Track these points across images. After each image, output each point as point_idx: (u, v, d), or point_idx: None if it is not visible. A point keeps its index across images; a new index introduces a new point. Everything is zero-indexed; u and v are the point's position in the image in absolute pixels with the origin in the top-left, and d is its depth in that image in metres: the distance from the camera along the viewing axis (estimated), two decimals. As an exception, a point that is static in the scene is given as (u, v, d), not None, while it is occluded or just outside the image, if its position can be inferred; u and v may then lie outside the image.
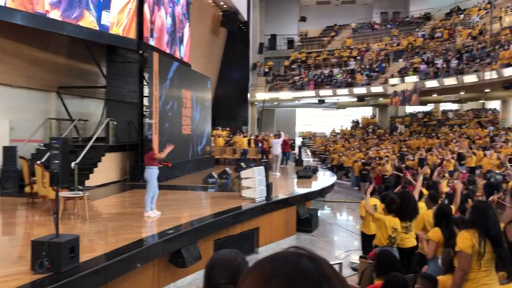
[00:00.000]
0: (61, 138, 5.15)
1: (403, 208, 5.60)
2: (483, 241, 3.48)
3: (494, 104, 30.37)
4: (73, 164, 10.41)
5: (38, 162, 9.69)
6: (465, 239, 3.54)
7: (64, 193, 7.86)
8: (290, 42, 38.42)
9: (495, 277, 3.60)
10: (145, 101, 14.00)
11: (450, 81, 22.85)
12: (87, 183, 11.20)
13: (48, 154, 10.98)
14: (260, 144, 20.33)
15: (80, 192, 8.34)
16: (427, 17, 34.81)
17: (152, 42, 14.33)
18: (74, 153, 11.19)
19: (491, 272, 3.57)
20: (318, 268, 0.73)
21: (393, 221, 5.72)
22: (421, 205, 6.09)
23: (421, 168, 14.34)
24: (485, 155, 14.66)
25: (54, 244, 4.75)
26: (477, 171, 14.53)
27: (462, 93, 23.70)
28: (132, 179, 13.14)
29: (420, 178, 6.96)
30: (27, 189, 9.49)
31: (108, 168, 12.63)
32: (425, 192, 6.99)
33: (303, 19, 38.83)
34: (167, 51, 15.78)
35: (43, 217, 8.37)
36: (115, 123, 13.30)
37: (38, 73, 12.77)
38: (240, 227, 9.01)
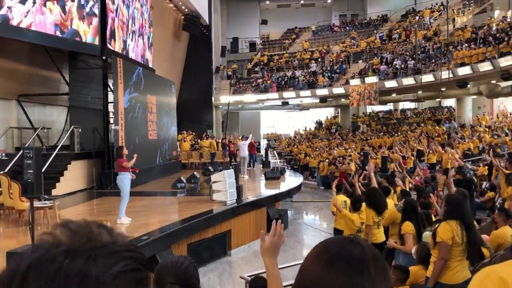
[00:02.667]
0: (34, 148, 5.10)
1: (377, 203, 5.83)
2: (462, 230, 3.79)
3: (450, 102, 31.67)
4: (38, 174, 10.18)
5: (2, 172, 9.45)
6: (447, 231, 3.83)
7: (34, 203, 7.72)
8: (252, 45, 38.73)
9: (466, 263, 3.92)
10: (110, 107, 13.83)
11: (408, 81, 23.68)
12: (54, 192, 10.99)
13: (11, 164, 10.74)
14: (227, 147, 20.42)
15: (49, 201, 8.21)
16: (384, 19, 35.92)
17: (115, 48, 14.18)
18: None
19: (465, 259, 3.88)
20: (360, 252, 0.87)
21: (359, 218, 5.98)
22: (388, 201, 6.36)
23: (382, 166, 14.85)
24: (445, 151, 15.30)
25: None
26: (437, 167, 15.14)
27: (420, 92, 24.60)
28: (99, 187, 12.96)
29: (372, 174, 7.25)
30: (-8, 201, 9.22)
31: (74, 177, 12.41)
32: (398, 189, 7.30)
33: (264, 22, 39.22)
34: (131, 56, 15.65)
35: (11, 229, 8.18)
36: (79, 130, 13.08)
37: (-2, 81, 12.43)
38: (212, 230, 9.08)
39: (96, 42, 13.18)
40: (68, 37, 12.03)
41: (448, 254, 3.82)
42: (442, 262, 3.83)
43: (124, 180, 8.22)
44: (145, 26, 17.51)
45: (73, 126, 13.02)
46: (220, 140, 22.52)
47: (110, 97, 13.64)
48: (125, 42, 15.12)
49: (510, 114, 23.50)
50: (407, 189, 7.97)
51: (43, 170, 10.51)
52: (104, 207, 10.56)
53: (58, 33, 11.55)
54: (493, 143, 17.14)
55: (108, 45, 13.60)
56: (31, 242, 5.03)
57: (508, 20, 21.36)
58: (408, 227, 5.00)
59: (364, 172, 9.35)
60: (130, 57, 15.51)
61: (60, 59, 14.11)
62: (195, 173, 14.81)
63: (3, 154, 12.33)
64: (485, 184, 10.90)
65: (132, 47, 15.92)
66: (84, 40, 12.60)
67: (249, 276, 4.63)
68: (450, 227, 3.82)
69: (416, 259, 4.36)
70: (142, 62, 16.80)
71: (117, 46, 14.33)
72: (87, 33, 12.75)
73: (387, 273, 0.88)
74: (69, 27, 11.90)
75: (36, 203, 7.92)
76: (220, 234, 9.40)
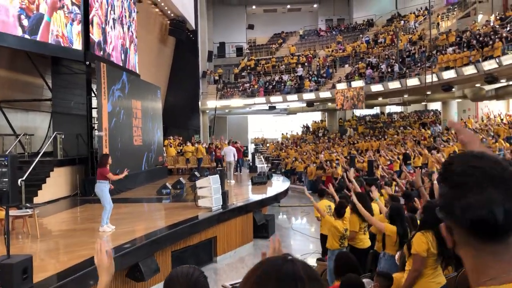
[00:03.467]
0: (9, 155, 4.96)
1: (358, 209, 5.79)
2: (437, 240, 3.71)
3: (436, 106, 31.94)
4: (19, 181, 9.96)
5: (-18, 180, 9.23)
6: (422, 243, 3.75)
7: (12, 212, 7.54)
8: (239, 50, 38.72)
9: (440, 269, 3.86)
10: (94, 113, 13.65)
11: (394, 85, 23.82)
12: (36, 200, 10.77)
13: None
14: (213, 152, 20.30)
15: (29, 210, 8.02)
16: (370, 23, 36.16)
17: (99, 53, 14.02)
18: (20, 169, 10.70)
19: (438, 266, 3.82)
20: (292, 270, 0.82)
21: (343, 224, 5.93)
22: (374, 206, 6.32)
23: (368, 170, 14.85)
24: (431, 154, 15.37)
25: (6, 266, 4.57)
26: (423, 170, 15.19)
27: (405, 96, 24.76)
28: (83, 194, 12.76)
29: (352, 180, 7.24)
30: (-30, 210, 8.98)
31: (57, 184, 12.20)
32: (384, 194, 7.27)
33: (250, 27, 39.26)
34: (115, 61, 15.48)
35: (-11, 238, 7.97)
36: (62, 136, 12.87)
37: (-22, 87, 12.20)
38: (198, 237, 8.97)
39: (80, 47, 13.00)
40: (50, 42, 11.85)
41: (422, 266, 3.75)
42: (415, 274, 3.76)
43: (103, 188, 8.09)
44: (125, 15, 17.16)
45: (56, 132, 12.81)
46: (206, 145, 22.39)
47: (94, 102, 13.46)
48: (109, 47, 14.95)
49: (495, 117, 23.74)
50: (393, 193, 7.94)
51: (24, 177, 10.36)
52: (87, 214, 10.39)
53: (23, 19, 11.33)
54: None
55: (92, 50, 13.42)
56: (7, 253, 4.87)
57: (491, 24, 21.61)
58: (390, 229, 4.96)
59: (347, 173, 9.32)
60: (115, 62, 15.32)
61: (42, 64, 13.91)
62: (181, 178, 14.67)
63: (-16, 162, 12.09)
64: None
65: (117, 52, 15.74)
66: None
67: (231, 284, 4.54)
68: (426, 239, 3.75)
69: (399, 266, 4.31)
70: (127, 67, 16.59)
71: (101, 51, 14.15)
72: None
73: None
74: (34, 11, 11.57)
75: (15, 212, 7.75)
76: (205, 241, 9.30)
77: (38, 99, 14.54)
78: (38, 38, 11.11)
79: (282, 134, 35.45)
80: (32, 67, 13.60)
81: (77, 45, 12.88)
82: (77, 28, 12.90)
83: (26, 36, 10.81)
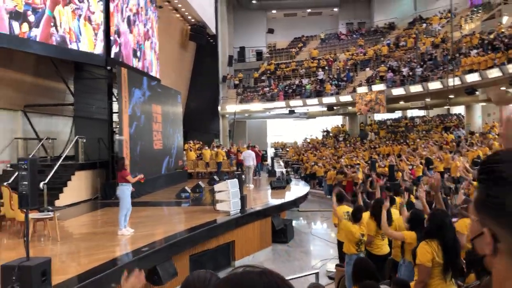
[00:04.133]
0: (29, 159, 5.03)
1: (380, 216, 5.67)
2: (443, 250, 3.58)
3: (459, 109, 31.34)
4: (41, 184, 10.15)
5: (5, 183, 9.43)
6: (426, 253, 3.63)
7: (33, 215, 7.67)
8: (259, 54, 38.78)
9: (451, 282, 3.70)
10: (115, 117, 13.82)
11: (416, 89, 23.47)
12: (57, 203, 10.93)
13: (15, 175, 10.71)
14: (234, 156, 20.32)
15: (50, 213, 8.14)
16: (391, 26, 35.78)
17: (120, 58, 14.21)
18: (43, 172, 10.90)
19: (448, 278, 3.66)
20: (265, 281, 0.79)
21: (360, 229, 5.83)
22: (393, 211, 6.21)
23: (389, 175, 14.64)
24: (453, 158, 15.05)
25: (25, 268, 4.63)
26: (446, 175, 14.90)
27: (427, 99, 24.36)
28: (103, 197, 12.91)
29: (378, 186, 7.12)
30: (-6, 212, 9.18)
31: (78, 187, 12.37)
32: (397, 199, 7.13)
33: (270, 31, 39.28)
34: (136, 66, 15.66)
35: (12, 241, 8.13)
36: (84, 140, 13.08)
37: (3, 92, 12.46)
38: (216, 241, 8.96)
39: (102, 52, 13.20)
40: (73, 48, 12.06)
41: (427, 277, 3.61)
42: (421, 285, 3.63)
43: (126, 191, 8.15)
44: (151, 36, 17.51)
45: (77, 137, 13.01)
46: (225, 150, 22.43)
47: (115, 107, 13.63)
48: (131, 52, 15.13)
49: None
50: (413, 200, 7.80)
51: (46, 180, 10.54)
52: (107, 217, 10.49)
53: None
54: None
55: (114, 55, 13.59)
56: (26, 255, 4.93)
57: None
58: (410, 235, 4.85)
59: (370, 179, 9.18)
60: (136, 67, 15.49)
61: (65, 70, 14.15)
62: (200, 182, 14.71)
63: (8, 165, 12.35)
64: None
65: (138, 57, 15.91)
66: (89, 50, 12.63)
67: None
68: (430, 248, 3.62)
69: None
70: (148, 72, 16.76)
71: (122, 56, 14.33)
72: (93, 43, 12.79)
73: None
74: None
75: (36, 215, 7.87)
76: (223, 245, 9.28)
77: (61, 104, 14.79)
78: (39, 32, 11.08)
79: (304, 139, 35.23)
80: (56, 72, 13.85)
81: (86, 43, 13.07)
82: (100, 33, 13.11)
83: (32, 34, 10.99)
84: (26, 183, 4.86)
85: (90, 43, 12.74)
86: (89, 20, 12.73)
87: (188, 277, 1.67)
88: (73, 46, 12.02)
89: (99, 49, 13.13)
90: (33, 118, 13.78)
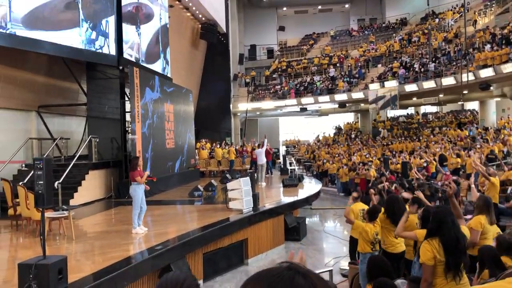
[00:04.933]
0: (44, 158, 5.09)
1: (394, 213, 5.62)
2: (443, 247, 3.57)
3: (473, 105, 30.98)
4: (56, 184, 10.26)
5: (21, 183, 9.55)
6: (427, 251, 3.62)
7: (49, 214, 7.75)
8: (270, 52, 38.76)
9: (464, 280, 3.67)
10: (127, 117, 13.92)
11: (429, 85, 23.26)
12: (72, 202, 11.04)
13: (30, 174, 10.85)
14: (247, 154, 20.35)
15: (65, 212, 8.23)
16: (403, 22, 35.48)
17: (132, 57, 14.29)
18: (57, 172, 11.02)
19: (456, 277, 3.63)
20: (310, 285, 0.76)
21: (374, 228, 5.80)
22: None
23: (402, 172, 14.54)
24: (468, 155, 14.89)
25: (42, 266, 4.68)
26: (461, 172, 14.75)
27: (441, 95, 24.13)
28: (117, 196, 13.02)
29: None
30: (10, 212, 9.30)
31: (92, 186, 12.49)
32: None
33: (281, 28, 39.22)
34: (148, 65, 15.74)
35: (28, 239, 8.23)
36: (97, 140, 13.19)
37: (17, 93, 12.61)
38: (229, 239, 8.98)
39: (114, 52, 13.30)
40: (85, 48, 12.18)
41: (431, 276, 3.60)
42: (425, 284, 3.62)
43: (138, 189, 8.20)
44: (163, 35, 17.56)
45: (91, 136, 13.13)
46: (237, 147, 22.47)
47: (128, 106, 13.72)
48: (142, 51, 15.22)
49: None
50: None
51: (61, 180, 10.66)
52: (121, 216, 10.57)
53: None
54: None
55: (126, 54, 13.69)
56: (43, 253, 4.99)
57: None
58: (421, 233, 4.81)
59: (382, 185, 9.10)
60: (148, 66, 15.57)
61: (78, 70, 14.29)
62: (213, 181, 14.75)
63: (23, 165, 12.51)
64: (510, 189, 10.51)
65: (150, 56, 15.99)
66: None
67: None
68: (431, 247, 3.62)
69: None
70: (159, 71, 16.85)
71: (134, 56, 14.41)
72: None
73: None
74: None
75: (52, 214, 7.96)
76: (236, 243, 9.29)
77: (74, 104, 14.94)
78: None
79: (316, 136, 35.15)
80: (68, 73, 13.99)
81: (111, 50, 13.17)
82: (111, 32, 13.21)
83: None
84: (41, 182, 4.92)
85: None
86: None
87: (161, 279, 1.61)
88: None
89: (111, 49, 13.23)
90: (47, 118, 13.93)
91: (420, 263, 3.73)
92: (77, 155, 12.64)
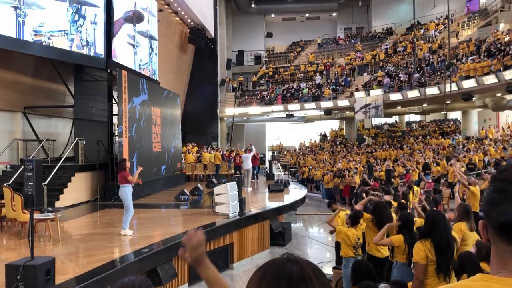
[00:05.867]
0: (35, 160, 5.12)
1: (379, 218, 5.79)
2: (434, 248, 3.77)
3: (456, 115, 31.53)
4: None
5: (6, 184, 9.49)
6: (419, 251, 3.82)
7: (35, 215, 7.73)
8: (258, 58, 38.96)
9: (453, 281, 3.85)
10: (115, 119, 13.90)
11: (413, 94, 23.64)
12: (57, 204, 11.00)
13: (15, 175, 10.79)
14: (232, 160, 20.43)
15: (50, 214, 8.22)
16: (389, 32, 36.01)
17: (120, 60, 14.30)
18: (43, 174, 10.95)
19: (447, 278, 3.81)
20: (299, 270, 0.87)
21: (356, 232, 5.94)
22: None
23: (386, 179, 14.77)
24: (450, 165, 15.18)
25: (30, 267, 4.71)
26: (442, 180, 15.04)
27: (425, 105, 24.54)
28: (102, 199, 12.99)
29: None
30: (-5, 213, 9.24)
31: (78, 188, 12.44)
32: (394, 203, 7.25)
33: (269, 35, 39.48)
34: (136, 68, 15.76)
35: (13, 241, 8.19)
36: (84, 142, 13.15)
37: (3, 93, 12.52)
38: (214, 243, 9.05)
39: (102, 54, 13.31)
40: (73, 50, 12.17)
41: (422, 275, 3.81)
42: (417, 282, 3.83)
43: (127, 191, 8.24)
44: (150, 38, 17.58)
45: (77, 138, 13.09)
46: (224, 152, 22.54)
47: (115, 109, 13.72)
48: (130, 54, 15.23)
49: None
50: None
51: (46, 182, 10.61)
52: (107, 219, 10.57)
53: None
54: (499, 156, 17.03)
55: (114, 57, 13.70)
56: (31, 255, 5.01)
57: (513, 33, 21.33)
58: (396, 238, 4.99)
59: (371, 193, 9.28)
60: (136, 69, 15.58)
61: (65, 72, 14.24)
62: (199, 185, 14.80)
63: (8, 166, 12.42)
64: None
65: (138, 59, 16.02)
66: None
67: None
68: (423, 247, 3.83)
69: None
70: (147, 75, 16.86)
71: (122, 59, 14.41)
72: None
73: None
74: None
75: (38, 215, 7.94)
76: (222, 247, 9.37)
77: (61, 106, 14.88)
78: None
79: (300, 142, 35.40)
80: (56, 74, 13.93)
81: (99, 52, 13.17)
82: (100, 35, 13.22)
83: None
84: (31, 183, 4.95)
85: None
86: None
87: (116, 284, 1.62)
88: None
89: (99, 51, 13.23)
90: (33, 120, 13.85)
91: (413, 262, 3.89)
92: (63, 157, 12.59)
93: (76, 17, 12.29)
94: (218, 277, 1.60)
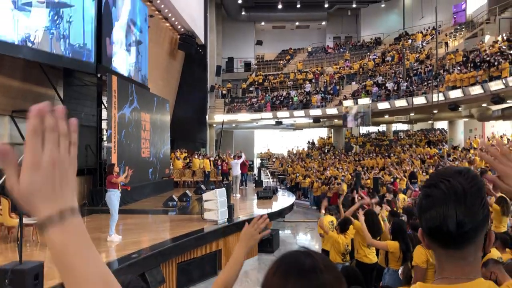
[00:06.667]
0: (25, 164, 5.11)
1: (370, 225, 5.86)
2: None
3: (442, 125, 31.94)
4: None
5: (-8, 188, 9.39)
6: (420, 254, 3.87)
7: (23, 220, 7.66)
8: (247, 65, 39.11)
9: None
10: (104, 125, 13.85)
11: (400, 103, 23.93)
12: (44, 209, 10.88)
13: (2, 180, 10.65)
14: (219, 166, 20.42)
15: (38, 218, 8.14)
16: (377, 41, 36.45)
17: (110, 65, 14.28)
18: (30, 178, 10.87)
19: None
20: (312, 262, 0.92)
21: (345, 239, 6.01)
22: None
23: (373, 187, 14.91)
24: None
25: (18, 272, 4.69)
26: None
27: (412, 114, 24.84)
28: (90, 204, 12.90)
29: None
30: (-20, 217, 9.12)
31: (65, 193, 12.32)
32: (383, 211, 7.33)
33: (259, 42, 39.69)
34: (126, 74, 15.74)
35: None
36: (72, 147, 13.04)
37: (-9, 96, 12.42)
38: (203, 249, 9.05)
39: (92, 59, 13.28)
40: (63, 54, 12.13)
41: (422, 278, 3.86)
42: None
43: (112, 196, 8.22)
44: (141, 44, 17.60)
45: (65, 143, 12.97)
46: (212, 159, 22.54)
47: (104, 114, 13.67)
48: (121, 60, 15.22)
49: (501, 137, 23.78)
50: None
51: (34, 186, 10.49)
52: (95, 224, 10.49)
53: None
54: (484, 165, 17.29)
55: (104, 62, 13.68)
56: (19, 259, 4.99)
57: (499, 44, 21.75)
58: (392, 244, 5.05)
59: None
60: (125, 75, 15.57)
61: (54, 76, 14.14)
62: (187, 191, 14.78)
63: (-5, 170, 12.26)
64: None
65: (128, 65, 16.01)
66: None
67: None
68: (424, 250, 3.88)
69: (403, 280, 4.39)
70: (137, 80, 16.86)
71: (112, 64, 14.39)
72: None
73: (344, 283, 0.94)
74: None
75: (26, 220, 7.87)
76: (210, 253, 9.37)
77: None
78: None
79: (289, 150, 35.53)
80: (45, 78, 13.83)
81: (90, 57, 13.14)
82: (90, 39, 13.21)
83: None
84: (21, 187, 4.93)
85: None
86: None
87: None
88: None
89: (90, 56, 13.21)
90: (20, 124, 13.71)
91: (413, 265, 3.95)
92: (51, 162, 12.48)
93: (56, 18, 12.27)
94: (241, 261, 1.77)
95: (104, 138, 13.71)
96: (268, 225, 1.82)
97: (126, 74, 15.76)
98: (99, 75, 13.66)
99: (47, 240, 0.72)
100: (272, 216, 12.83)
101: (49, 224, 0.71)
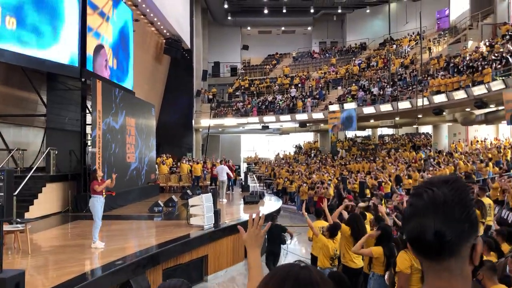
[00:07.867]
0: (6, 170, 5.00)
1: (356, 229, 5.87)
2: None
3: (427, 129, 32.28)
4: (11, 196, 9.93)
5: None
6: (404, 260, 3.86)
7: (4, 227, 7.51)
8: (233, 70, 39.11)
9: None
10: (88, 129, 13.68)
11: (386, 108, 24.12)
12: (27, 215, 10.70)
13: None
14: (207, 171, 20.32)
15: (20, 225, 8.00)
16: (362, 46, 36.76)
17: (95, 70, 14.13)
18: (12, 184, 10.69)
19: None
20: (307, 274, 0.90)
21: (334, 244, 6.00)
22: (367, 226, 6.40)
23: (359, 192, 14.98)
24: (422, 177, 15.50)
25: (-2, 281, 4.57)
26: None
27: (397, 118, 25.04)
28: (74, 210, 12.71)
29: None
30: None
31: (49, 199, 12.15)
32: (368, 215, 7.34)
33: (245, 47, 39.74)
34: (110, 78, 15.59)
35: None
36: (56, 152, 12.87)
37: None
38: (189, 255, 8.96)
39: (76, 63, 13.12)
40: (46, 59, 11.97)
41: (406, 284, 3.86)
42: None
43: (95, 203, 8.11)
44: (126, 48, 17.48)
45: (49, 148, 12.80)
46: (204, 162, 22.42)
47: (89, 119, 13.51)
48: (105, 64, 15.08)
49: (482, 141, 24.13)
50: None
51: (16, 192, 10.32)
52: (78, 230, 10.34)
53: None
54: (468, 169, 17.48)
55: (88, 67, 13.53)
56: (-1, 267, 4.87)
57: (481, 50, 22.08)
58: (377, 250, 5.05)
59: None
60: (110, 79, 15.42)
61: (37, 80, 13.95)
62: (173, 196, 14.66)
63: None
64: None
65: (113, 69, 15.86)
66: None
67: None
68: (408, 256, 3.87)
69: (389, 285, 4.39)
70: (122, 85, 16.71)
71: (97, 69, 14.26)
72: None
73: None
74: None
75: (7, 227, 7.71)
76: (196, 259, 9.28)
77: (32, 115, 14.55)
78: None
79: (275, 154, 35.56)
80: (27, 82, 13.63)
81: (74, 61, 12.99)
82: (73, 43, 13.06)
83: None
84: (2, 194, 4.82)
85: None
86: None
87: (159, 285, 1.76)
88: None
89: (74, 60, 13.05)
90: (2, 129, 13.51)
91: (396, 271, 3.93)
92: (34, 167, 12.29)
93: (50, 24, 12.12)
94: (260, 264, 1.75)
95: (89, 143, 13.54)
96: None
97: (111, 79, 15.60)
98: (83, 79, 13.50)
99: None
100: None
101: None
